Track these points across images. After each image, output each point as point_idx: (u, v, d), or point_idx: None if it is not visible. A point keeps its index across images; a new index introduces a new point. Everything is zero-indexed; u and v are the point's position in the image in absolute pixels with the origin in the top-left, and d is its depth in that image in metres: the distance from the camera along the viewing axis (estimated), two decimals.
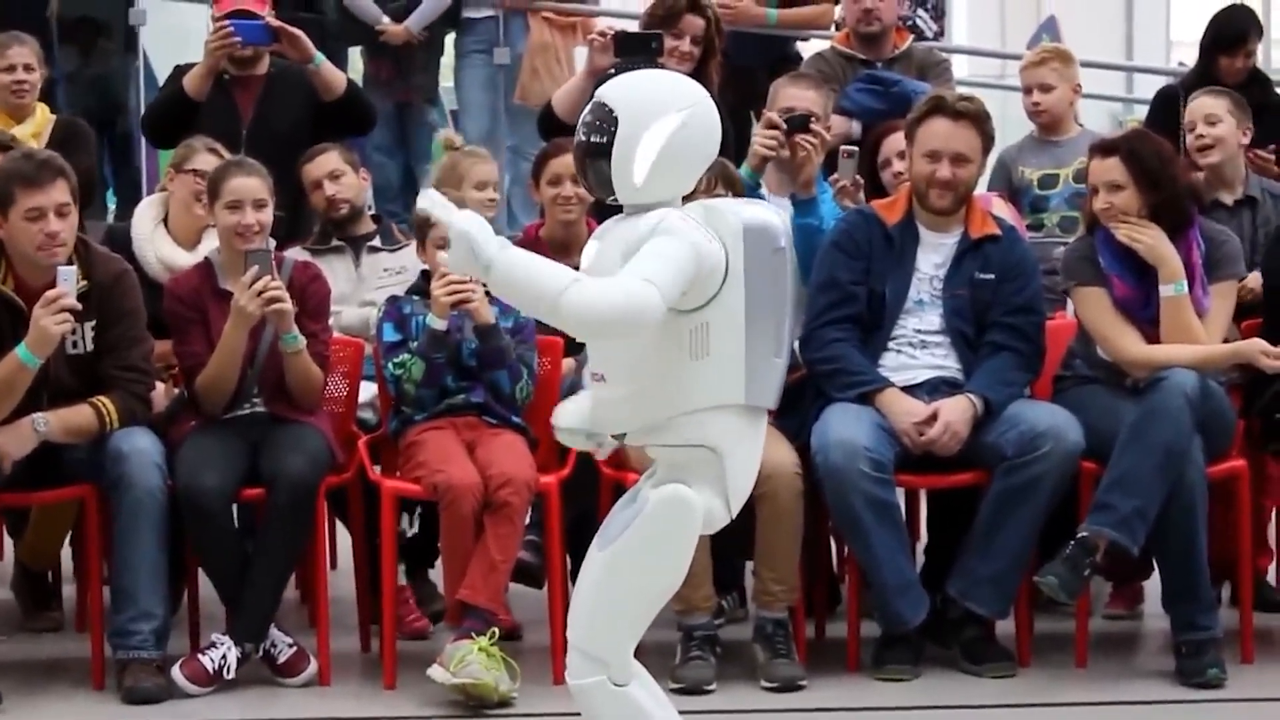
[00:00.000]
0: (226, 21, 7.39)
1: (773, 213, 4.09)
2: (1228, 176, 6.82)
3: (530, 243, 6.67)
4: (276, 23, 7.49)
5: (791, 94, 6.63)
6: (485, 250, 3.79)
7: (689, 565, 4.13)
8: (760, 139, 6.42)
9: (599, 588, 4.09)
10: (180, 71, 7.58)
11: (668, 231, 3.92)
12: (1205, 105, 6.86)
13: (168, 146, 7.41)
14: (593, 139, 3.99)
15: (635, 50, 6.94)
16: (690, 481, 4.03)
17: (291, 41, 7.49)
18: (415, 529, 6.57)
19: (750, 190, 6.26)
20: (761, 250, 4.00)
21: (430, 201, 3.94)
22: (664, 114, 4.00)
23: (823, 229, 6.34)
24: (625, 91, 4.04)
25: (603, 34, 7.26)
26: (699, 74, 7.25)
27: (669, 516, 4.03)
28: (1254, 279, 6.43)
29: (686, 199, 4.18)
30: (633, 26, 7.63)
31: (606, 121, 3.98)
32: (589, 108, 4.04)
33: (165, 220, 6.75)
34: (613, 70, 7.00)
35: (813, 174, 6.40)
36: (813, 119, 6.43)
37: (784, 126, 6.40)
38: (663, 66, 6.83)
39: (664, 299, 3.84)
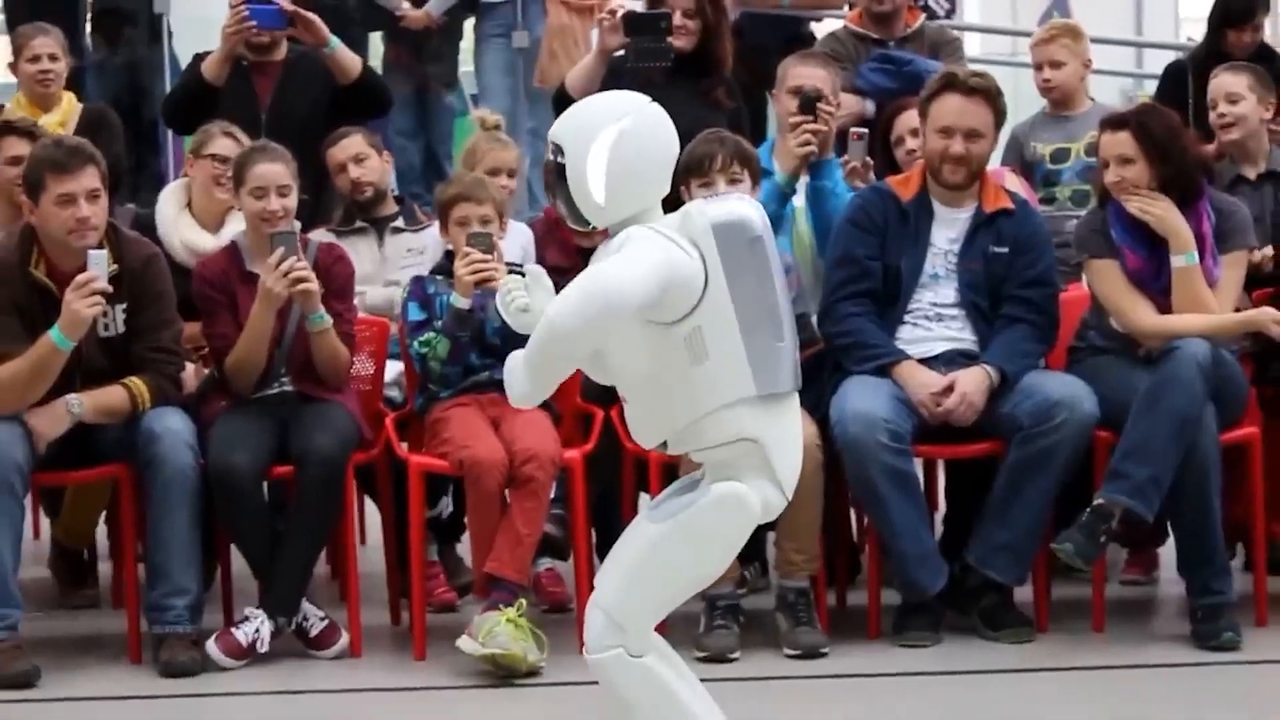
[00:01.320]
0: (243, 6, 7.41)
1: (745, 204, 4.10)
2: (1250, 151, 6.81)
3: (550, 224, 6.69)
4: (291, 7, 7.51)
5: (800, 72, 6.59)
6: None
7: (732, 559, 4.17)
8: (796, 143, 6.30)
9: (642, 560, 4.12)
10: (200, 59, 7.61)
11: (634, 241, 3.97)
12: (1226, 83, 6.84)
13: (188, 132, 7.44)
14: (551, 172, 4.08)
15: (644, 30, 6.97)
16: (741, 476, 4.07)
17: (306, 25, 7.51)
18: (451, 509, 6.59)
19: (783, 192, 6.24)
20: (736, 244, 4.01)
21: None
22: (601, 130, 4.04)
23: (836, 192, 6.33)
24: (564, 121, 4.12)
25: (612, 13, 7.25)
26: (706, 48, 7.20)
27: (725, 513, 4.08)
28: (1261, 254, 6.42)
29: (695, 189, 4.20)
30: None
31: (557, 155, 4.07)
32: (549, 148, 4.10)
33: (190, 205, 6.77)
34: (622, 50, 7.03)
35: (829, 141, 6.38)
36: (819, 94, 6.37)
37: (811, 117, 6.31)
38: (671, 46, 6.88)
39: (630, 282, 3.88)
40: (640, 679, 4.13)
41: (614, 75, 7.05)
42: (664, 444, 4.20)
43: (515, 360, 4.04)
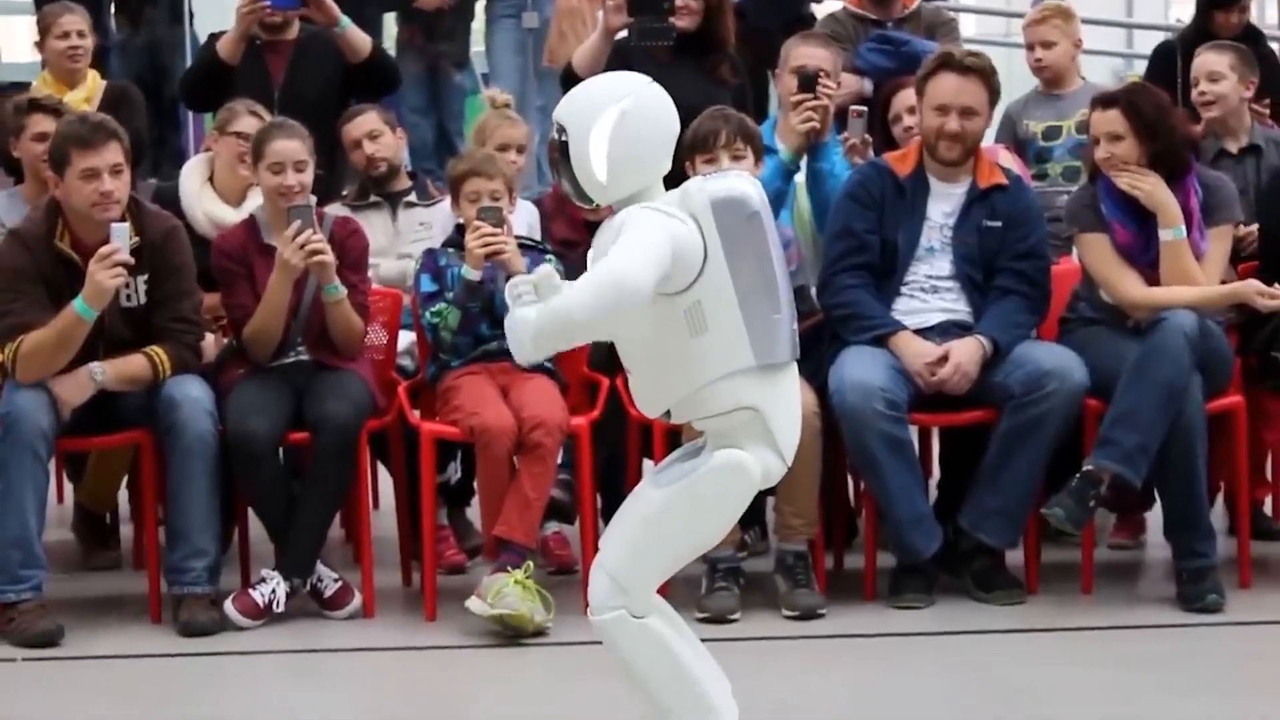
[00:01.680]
0: None
1: (744, 180, 4.10)
2: (1232, 126, 6.86)
3: (558, 199, 6.68)
4: None
5: (803, 52, 6.61)
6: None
7: (733, 524, 4.19)
8: (798, 120, 6.31)
9: (646, 525, 4.14)
10: (215, 39, 7.62)
11: (634, 223, 3.97)
12: (1209, 62, 6.87)
13: (203, 110, 7.47)
14: (555, 151, 4.08)
15: (647, 9, 6.97)
16: (742, 443, 4.08)
17: (318, 5, 7.51)
18: (459, 475, 6.60)
19: (788, 169, 6.24)
20: (734, 220, 4.02)
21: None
22: (602, 111, 4.04)
23: (834, 174, 6.33)
24: (567, 103, 4.12)
25: None
26: (708, 27, 7.17)
27: (727, 480, 4.10)
28: (1247, 230, 6.41)
29: (699, 165, 4.21)
30: None
31: (560, 135, 4.07)
32: (553, 129, 4.09)
33: (211, 179, 6.77)
34: (626, 30, 7.02)
35: (829, 117, 6.38)
36: (820, 74, 6.38)
37: (813, 94, 6.32)
38: (674, 25, 6.87)
39: (642, 273, 3.88)
40: (642, 639, 4.15)
41: (618, 54, 7.04)
42: (667, 413, 4.21)
43: (523, 327, 3.99)
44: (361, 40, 7.60)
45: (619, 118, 4.02)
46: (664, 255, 3.93)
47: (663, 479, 4.17)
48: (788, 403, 4.16)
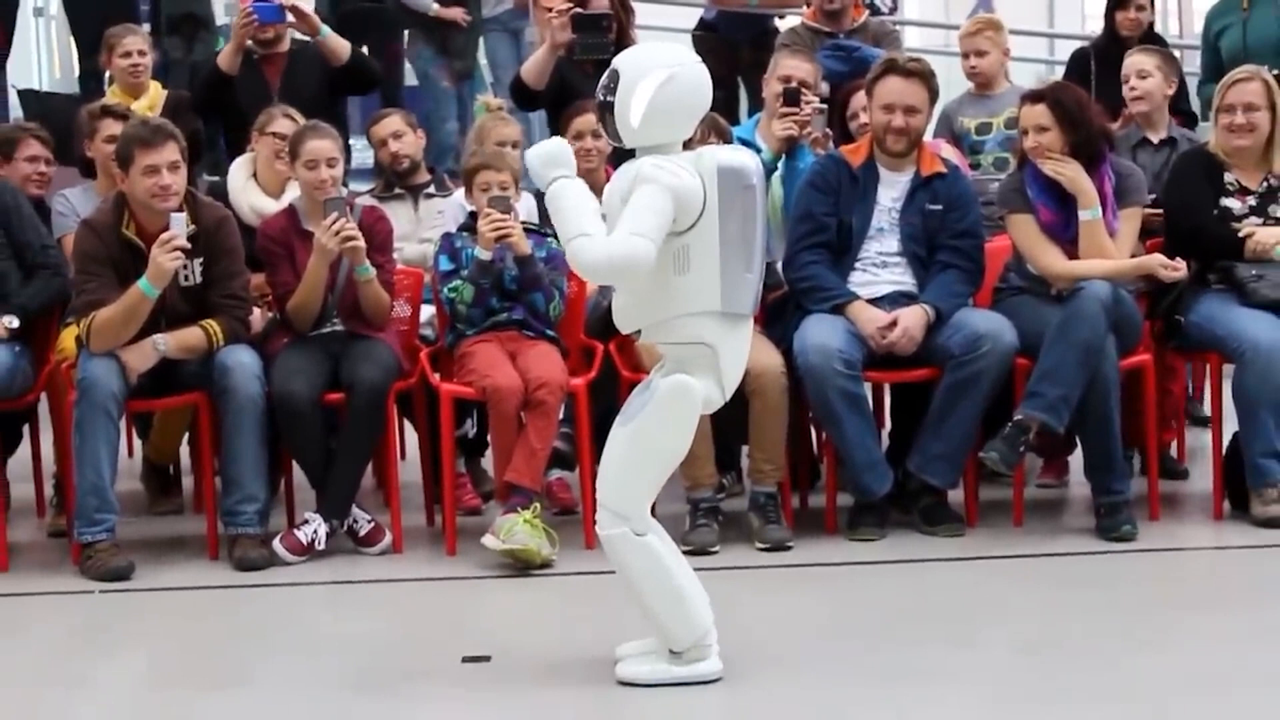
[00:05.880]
0: (247, 5, 7.39)
1: (747, 156, 4.25)
2: (1155, 120, 6.87)
3: None
4: (289, 1, 7.46)
5: (789, 64, 6.64)
6: (553, 172, 4.19)
7: (693, 438, 4.34)
8: (779, 128, 6.34)
9: (623, 457, 4.31)
10: (217, 54, 7.60)
11: (646, 180, 4.13)
12: (1138, 62, 6.90)
13: (209, 114, 7.45)
14: (605, 97, 4.23)
15: (588, 28, 7.05)
16: (691, 372, 4.26)
17: (301, 17, 7.47)
18: (475, 429, 6.60)
19: (768, 167, 6.23)
20: (733, 187, 4.20)
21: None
22: (654, 69, 4.18)
23: (805, 171, 6.33)
24: (627, 56, 4.27)
25: (560, 12, 7.21)
26: (620, 44, 7.15)
27: (676, 399, 4.25)
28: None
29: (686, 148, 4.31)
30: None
31: (612, 80, 4.22)
32: (606, 73, 4.19)
33: (255, 175, 6.76)
34: (568, 46, 7.03)
35: (805, 130, 6.39)
36: (803, 90, 6.39)
37: (800, 108, 6.33)
38: (611, 42, 6.89)
39: (652, 245, 4.09)
40: (640, 554, 4.32)
41: (556, 68, 7.08)
42: (639, 331, 4.37)
43: (581, 239, 4.16)
44: (341, 46, 7.52)
45: (666, 78, 4.16)
46: (668, 219, 4.11)
47: (626, 416, 4.34)
48: (739, 348, 4.31)
